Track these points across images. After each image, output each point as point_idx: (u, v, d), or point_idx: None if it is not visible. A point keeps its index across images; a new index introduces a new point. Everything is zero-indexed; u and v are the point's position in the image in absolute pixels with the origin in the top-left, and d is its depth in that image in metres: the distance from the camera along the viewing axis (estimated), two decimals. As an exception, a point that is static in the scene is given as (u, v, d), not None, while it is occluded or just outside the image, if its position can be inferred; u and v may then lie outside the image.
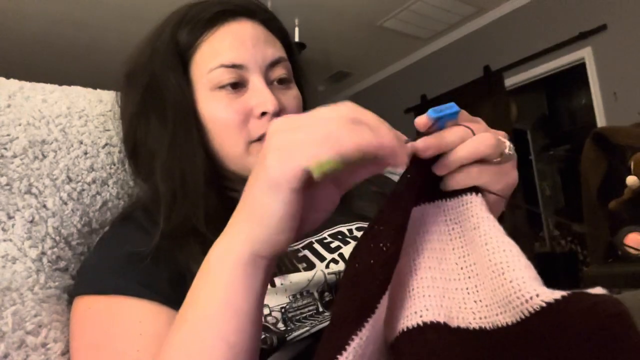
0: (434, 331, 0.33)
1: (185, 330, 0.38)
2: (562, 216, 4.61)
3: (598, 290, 0.31)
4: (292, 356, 0.52)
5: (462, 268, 0.37)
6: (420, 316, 0.34)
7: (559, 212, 4.73)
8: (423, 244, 0.39)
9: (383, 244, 0.34)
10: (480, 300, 0.35)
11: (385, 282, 0.33)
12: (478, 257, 0.36)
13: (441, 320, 0.34)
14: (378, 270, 0.33)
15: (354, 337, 0.31)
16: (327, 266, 0.59)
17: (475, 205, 0.38)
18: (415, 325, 0.34)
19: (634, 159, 1.56)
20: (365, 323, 0.31)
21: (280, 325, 0.53)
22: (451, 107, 0.38)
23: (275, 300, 0.54)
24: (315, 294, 0.57)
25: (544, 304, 0.30)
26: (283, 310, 0.54)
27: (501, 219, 0.44)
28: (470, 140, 0.38)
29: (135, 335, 0.48)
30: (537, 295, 0.31)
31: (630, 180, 1.53)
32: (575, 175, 2.11)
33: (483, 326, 0.34)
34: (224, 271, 0.37)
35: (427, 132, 0.38)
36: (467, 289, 0.36)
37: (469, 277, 0.36)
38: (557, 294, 0.31)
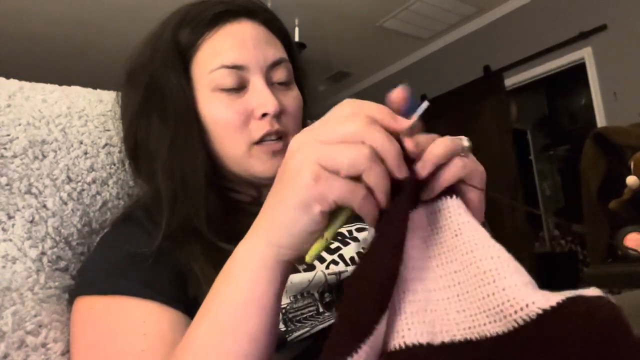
0: (416, 355, 0.32)
1: (208, 325, 0.39)
2: (561, 216, 4.61)
3: (593, 291, 0.30)
4: (293, 356, 0.52)
5: (441, 277, 0.36)
6: (402, 336, 0.33)
7: (559, 212, 4.73)
8: (404, 254, 0.37)
9: (388, 261, 0.33)
10: (463, 310, 0.34)
11: (385, 300, 0.33)
12: (461, 265, 0.35)
13: (423, 340, 0.33)
14: (378, 289, 0.32)
15: (350, 358, 0.30)
16: (327, 267, 0.59)
17: (452, 208, 0.38)
18: (398, 347, 0.33)
19: (634, 159, 1.55)
20: (362, 344, 0.31)
21: (281, 326, 0.53)
22: (419, 109, 0.38)
23: (275, 301, 0.54)
24: (316, 295, 0.57)
25: (540, 311, 0.30)
26: (284, 311, 0.54)
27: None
28: (437, 141, 0.38)
29: (139, 336, 0.48)
30: (533, 303, 0.30)
31: (630, 180, 1.52)
32: (575, 175, 2.11)
33: (468, 337, 0.33)
34: (248, 272, 0.38)
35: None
36: (448, 298, 0.35)
37: (449, 286, 0.35)
38: (552, 300, 0.30)
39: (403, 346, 0.33)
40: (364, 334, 0.31)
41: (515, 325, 0.31)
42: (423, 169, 0.37)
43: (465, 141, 0.40)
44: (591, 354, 0.28)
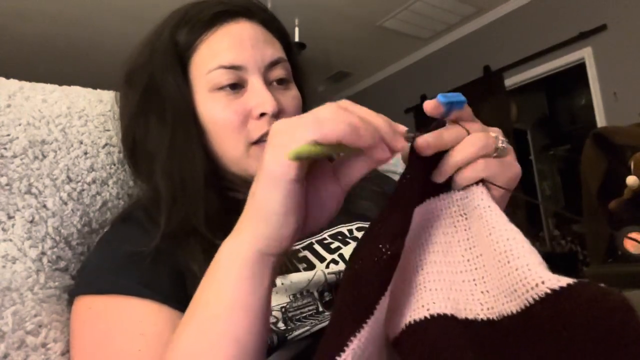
0: (442, 322, 0.33)
1: (194, 329, 0.38)
2: (562, 212, 4.61)
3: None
4: (292, 355, 0.52)
5: (468, 260, 0.37)
6: (428, 309, 0.34)
7: (558, 212, 4.73)
8: (428, 239, 0.39)
9: (383, 246, 0.34)
10: (487, 291, 0.35)
11: (384, 283, 0.33)
12: (484, 247, 0.36)
13: (448, 312, 0.34)
14: (377, 272, 0.33)
15: (352, 338, 0.31)
16: (327, 266, 0.59)
17: (477, 195, 0.39)
18: (423, 318, 0.34)
19: (634, 159, 1.55)
20: (364, 324, 0.31)
21: (281, 325, 0.53)
22: (458, 96, 0.38)
23: (275, 300, 0.54)
24: (315, 294, 0.57)
25: (548, 291, 0.30)
26: (283, 309, 0.54)
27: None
28: (463, 142, 0.38)
29: (136, 335, 0.48)
30: (543, 283, 0.31)
31: (630, 180, 1.52)
32: (575, 175, 2.11)
33: (491, 317, 0.34)
34: (232, 270, 0.37)
35: (432, 120, 0.38)
36: (474, 280, 0.36)
37: (476, 269, 0.36)
38: (563, 281, 0.30)
39: (428, 316, 0.34)
40: (365, 315, 0.32)
41: (527, 304, 0.31)
42: (439, 176, 0.39)
43: (500, 142, 0.40)
44: (598, 338, 0.28)
